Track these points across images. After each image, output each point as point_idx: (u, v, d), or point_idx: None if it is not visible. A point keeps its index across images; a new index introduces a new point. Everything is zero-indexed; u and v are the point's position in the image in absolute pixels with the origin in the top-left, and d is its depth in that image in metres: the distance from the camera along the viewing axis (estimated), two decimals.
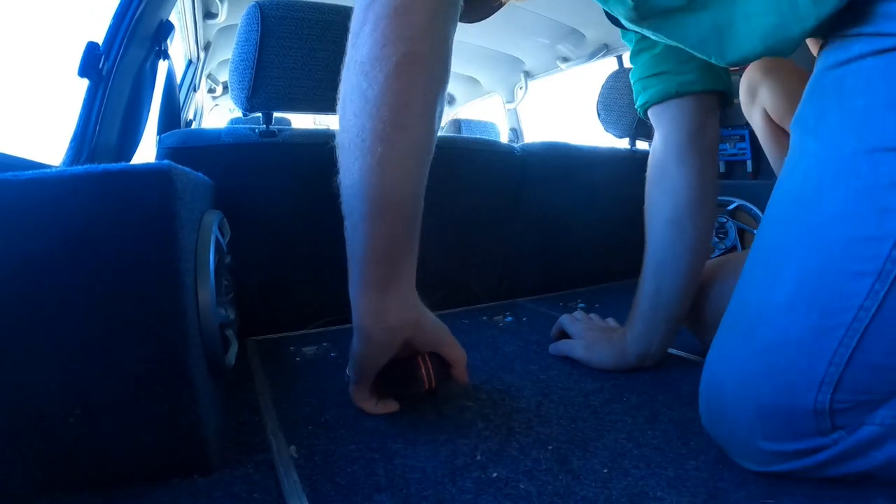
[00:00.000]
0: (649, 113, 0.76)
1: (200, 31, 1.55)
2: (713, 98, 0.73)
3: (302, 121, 1.79)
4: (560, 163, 1.25)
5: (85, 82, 0.82)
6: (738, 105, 1.49)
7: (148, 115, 0.97)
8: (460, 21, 0.82)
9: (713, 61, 0.54)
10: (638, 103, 0.76)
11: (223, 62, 1.93)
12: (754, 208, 1.42)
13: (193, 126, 1.87)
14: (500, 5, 0.84)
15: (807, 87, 0.49)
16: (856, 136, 0.42)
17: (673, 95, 0.71)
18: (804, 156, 0.47)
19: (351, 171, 0.53)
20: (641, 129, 1.40)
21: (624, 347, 0.75)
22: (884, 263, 0.41)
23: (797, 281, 0.46)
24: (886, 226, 0.40)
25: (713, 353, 0.53)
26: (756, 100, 0.79)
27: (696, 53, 0.54)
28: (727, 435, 0.51)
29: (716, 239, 1.48)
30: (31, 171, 0.43)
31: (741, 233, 1.46)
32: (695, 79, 0.70)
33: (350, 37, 0.54)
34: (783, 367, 0.46)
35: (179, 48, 1.56)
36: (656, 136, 0.75)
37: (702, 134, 0.72)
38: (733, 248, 1.46)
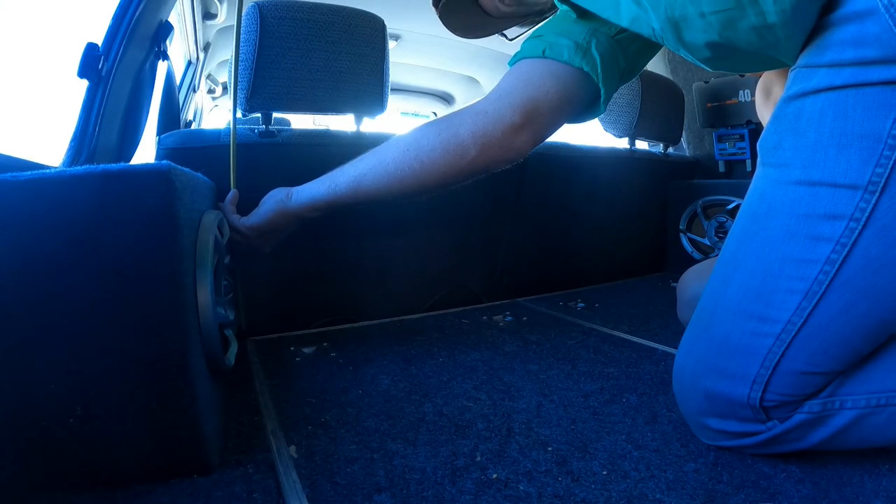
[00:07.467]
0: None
1: (200, 32, 1.54)
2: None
3: (301, 121, 1.79)
4: (560, 163, 1.25)
5: (85, 83, 0.81)
6: (738, 105, 1.50)
7: (147, 115, 0.97)
8: (456, 34, 0.83)
9: (672, 48, 0.55)
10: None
11: (222, 63, 1.93)
12: None
13: (193, 127, 1.87)
14: (496, 31, 0.85)
15: (772, 113, 0.51)
16: (802, 167, 0.47)
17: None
18: (762, 178, 0.52)
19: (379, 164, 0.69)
20: (641, 128, 1.40)
21: None
22: (811, 285, 0.47)
23: (742, 289, 0.52)
24: (817, 252, 0.46)
25: (682, 341, 0.59)
26: (770, 98, 0.80)
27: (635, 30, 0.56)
28: (686, 411, 0.58)
29: (715, 238, 1.48)
30: (31, 172, 0.43)
31: None
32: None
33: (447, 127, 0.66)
34: (725, 363, 0.52)
35: (179, 49, 1.56)
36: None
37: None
38: None
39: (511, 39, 0.78)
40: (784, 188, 0.49)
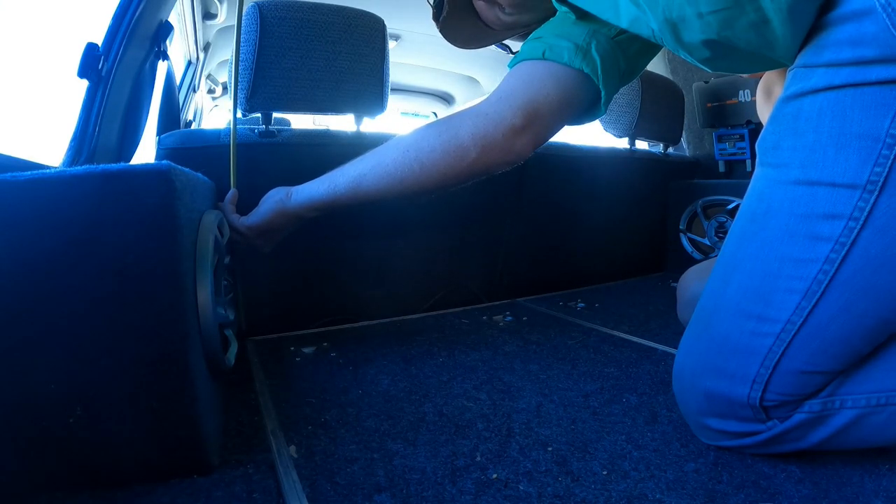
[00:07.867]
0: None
1: (200, 32, 1.54)
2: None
3: (301, 121, 1.80)
4: (559, 163, 1.25)
5: (85, 83, 0.81)
6: (738, 105, 1.50)
7: (147, 115, 0.96)
8: (455, 46, 0.83)
9: (670, 47, 0.54)
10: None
11: (222, 63, 1.92)
12: None
13: (193, 127, 1.87)
14: (496, 42, 0.84)
15: (771, 113, 0.51)
16: (801, 167, 0.47)
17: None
18: (761, 178, 0.52)
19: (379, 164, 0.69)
20: (641, 128, 1.40)
21: None
22: (810, 284, 0.47)
23: (741, 289, 0.52)
24: (816, 251, 0.46)
25: (682, 341, 0.59)
26: (771, 97, 0.80)
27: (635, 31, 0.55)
28: (686, 411, 0.58)
29: (715, 238, 1.48)
30: (30, 172, 0.43)
31: None
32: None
33: (448, 127, 0.66)
34: (725, 363, 0.52)
35: (179, 49, 1.55)
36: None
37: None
38: None
39: (514, 54, 0.78)
40: (783, 188, 0.49)
